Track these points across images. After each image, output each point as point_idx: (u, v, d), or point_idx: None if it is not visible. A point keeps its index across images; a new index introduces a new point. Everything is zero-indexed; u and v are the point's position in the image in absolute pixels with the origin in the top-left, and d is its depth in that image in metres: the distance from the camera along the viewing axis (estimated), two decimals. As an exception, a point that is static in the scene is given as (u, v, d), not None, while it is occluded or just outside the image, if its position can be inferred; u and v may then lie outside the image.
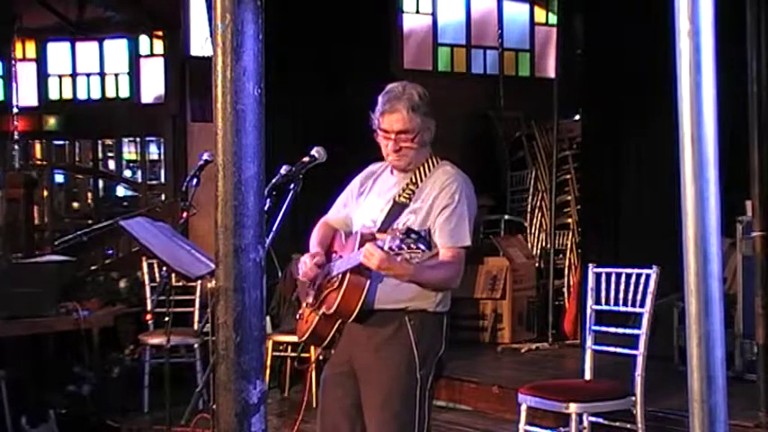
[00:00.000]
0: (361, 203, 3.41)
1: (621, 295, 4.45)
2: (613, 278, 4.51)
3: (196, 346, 6.54)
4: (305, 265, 3.32)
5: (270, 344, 6.46)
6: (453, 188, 3.21)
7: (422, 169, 3.29)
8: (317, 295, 3.32)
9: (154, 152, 13.47)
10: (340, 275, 3.19)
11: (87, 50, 12.58)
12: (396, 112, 3.21)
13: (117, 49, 12.52)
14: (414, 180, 3.28)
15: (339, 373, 3.34)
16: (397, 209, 3.24)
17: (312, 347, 3.95)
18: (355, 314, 3.17)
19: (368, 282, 3.15)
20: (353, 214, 3.43)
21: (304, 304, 3.43)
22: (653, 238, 6.83)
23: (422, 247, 2.88)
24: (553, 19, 11.47)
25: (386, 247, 2.94)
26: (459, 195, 3.20)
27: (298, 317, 3.47)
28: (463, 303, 8.17)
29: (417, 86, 3.30)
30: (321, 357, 3.62)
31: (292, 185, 3.13)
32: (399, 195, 3.28)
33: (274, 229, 3.24)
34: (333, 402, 3.35)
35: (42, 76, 12.63)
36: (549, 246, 8.81)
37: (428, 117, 3.26)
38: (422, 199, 3.23)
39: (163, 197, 10.99)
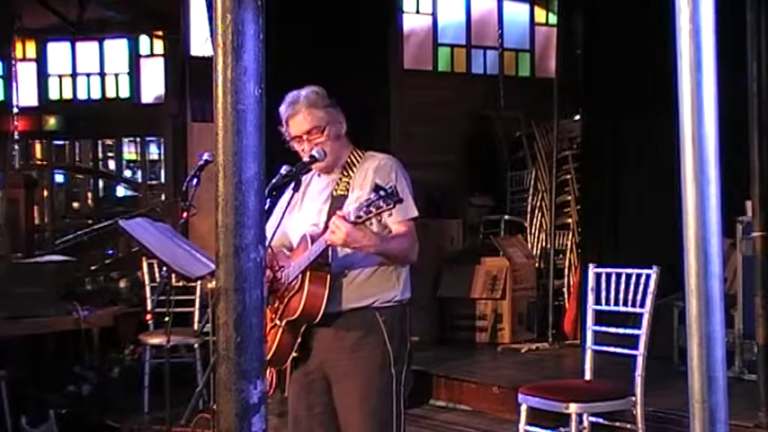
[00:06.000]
0: (295, 215, 3.40)
1: (621, 295, 4.45)
2: (613, 278, 4.51)
3: (196, 346, 6.53)
4: None
5: (270, 344, 6.44)
6: (388, 167, 3.28)
7: (349, 162, 3.34)
8: (275, 309, 3.30)
9: (154, 152, 13.46)
10: (299, 276, 3.18)
11: (87, 50, 12.57)
12: (297, 114, 3.29)
13: (117, 49, 12.51)
14: (345, 173, 3.33)
15: (309, 381, 3.36)
16: (337, 202, 3.27)
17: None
18: (322, 312, 3.16)
19: (328, 276, 3.16)
20: (289, 229, 3.41)
21: None
22: (653, 238, 6.83)
23: (390, 203, 2.93)
24: (553, 19, 11.45)
25: (352, 218, 2.98)
26: (395, 173, 3.26)
27: None
28: (462, 303, 8.18)
29: (312, 87, 3.37)
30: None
31: (292, 185, 3.14)
32: (336, 190, 3.32)
33: (275, 228, 3.25)
34: (305, 413, 3.38)
35: (42, 76, 12.61)
36: (549, 246, 8.80)
37: (332, 109, 3.33)
38: (359, 186, 3.26)
39: (163, 197, 10.98)
